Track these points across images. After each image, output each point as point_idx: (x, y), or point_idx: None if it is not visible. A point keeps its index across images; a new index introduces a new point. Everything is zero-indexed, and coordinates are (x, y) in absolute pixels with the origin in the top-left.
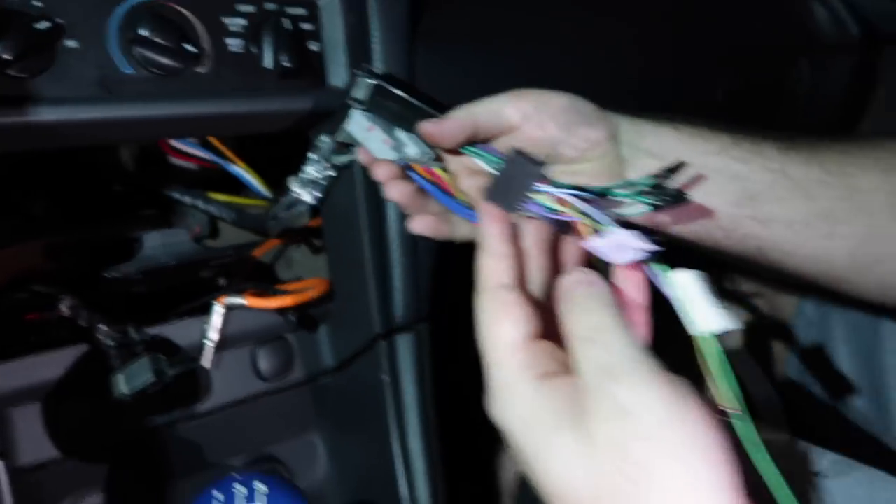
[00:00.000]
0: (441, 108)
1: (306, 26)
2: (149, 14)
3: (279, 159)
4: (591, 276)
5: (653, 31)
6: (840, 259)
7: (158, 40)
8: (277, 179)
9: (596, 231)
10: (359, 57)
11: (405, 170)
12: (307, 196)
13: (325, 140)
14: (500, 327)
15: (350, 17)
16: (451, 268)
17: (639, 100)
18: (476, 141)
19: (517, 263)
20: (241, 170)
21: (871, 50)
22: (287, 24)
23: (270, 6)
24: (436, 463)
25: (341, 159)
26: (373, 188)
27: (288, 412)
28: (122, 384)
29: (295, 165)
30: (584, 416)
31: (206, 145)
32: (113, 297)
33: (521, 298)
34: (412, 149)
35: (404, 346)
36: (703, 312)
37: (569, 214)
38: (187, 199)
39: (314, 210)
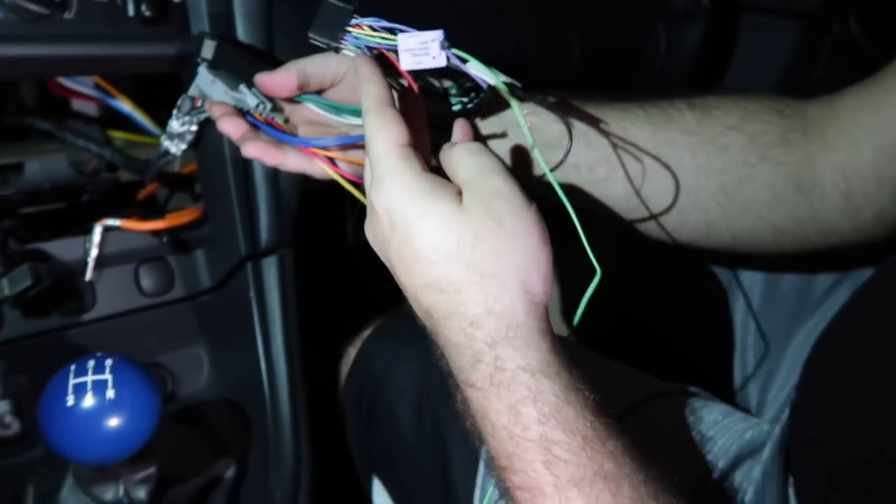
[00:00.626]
0: (276, 63)
1: None
2: None
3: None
4: None
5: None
6: (618, 197)
7: None
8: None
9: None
10: (218, 6)
11: (245, 114)
12: (174, 148)
13: (184, 98)
14: (388, 131)
15: None
16: (312, 201)
17: (495, 61)
18: (307, 91)
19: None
20: (127, 107)
21: (726, 16)
22: None
23: None
24: (295, 368)
25: (200, 115)
26: None
27: (174, 327)
28: (5, 287)
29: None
30: (457, 198)
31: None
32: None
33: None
34: (252, 99)
35: (269, 268)
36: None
37: (379, 43)
38: (80, 142)
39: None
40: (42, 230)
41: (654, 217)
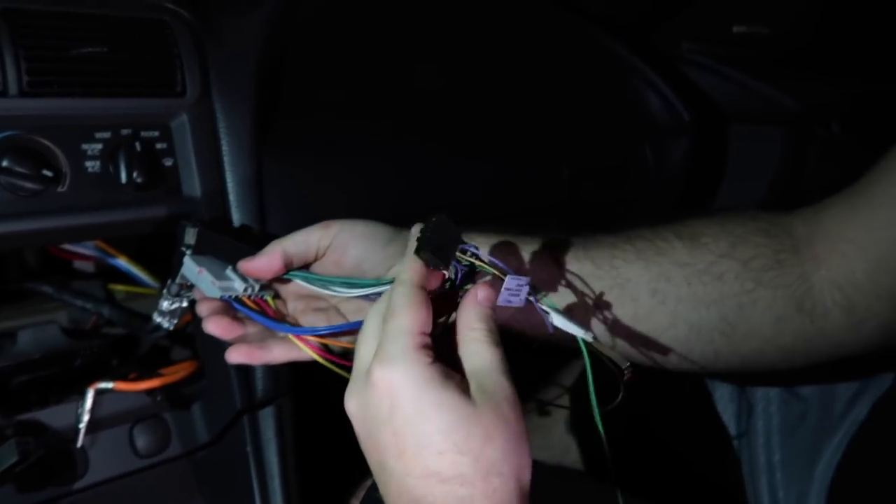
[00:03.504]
0: (260, 243)
1: (160, 146)
2: (12, 147)
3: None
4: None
5: (497, 119)
6: (617, 338)
7: (19, 169)
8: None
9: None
10: (209, 168)
11: (232, 303)
12: (166, 324)
13: (170, 284)
14: (415, 314)
15: (199, 136)
16: None
17: (486, 185)
18: (292, 268)
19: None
20: (126, 264)
21: (710, 128)
22: (140, 145)
23: (125, 132)
24: None
25: (189, 295)
26: None
27: (170, 486)
28: None
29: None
30: (467, 391)
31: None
32: None
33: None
34: (239, 283)
35: (266, 419)
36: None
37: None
38: (79, 302)
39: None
40: (33, 397)
41: (656, 354)
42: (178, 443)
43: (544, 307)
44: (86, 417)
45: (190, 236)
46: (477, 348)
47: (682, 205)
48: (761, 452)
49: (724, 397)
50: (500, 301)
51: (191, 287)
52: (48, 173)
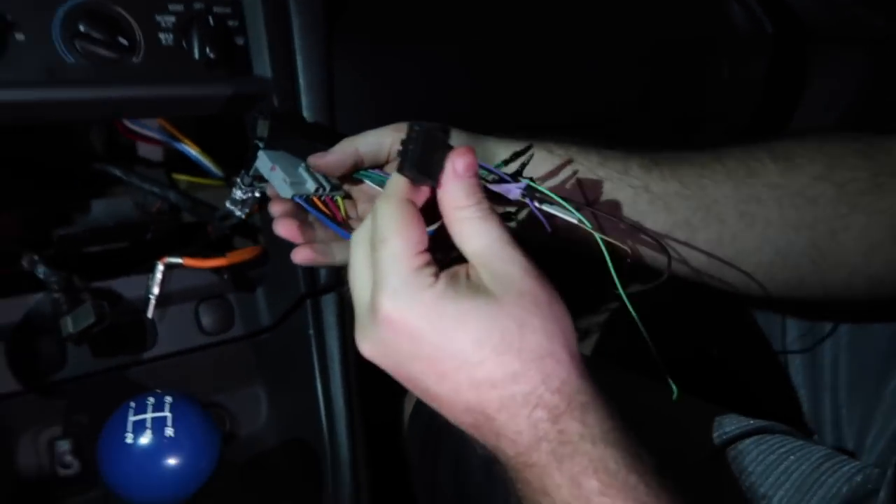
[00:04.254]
0: (331, 139)
1: (231, 23)
2: (88, 12)
3: (236, 144)
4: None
5: (568, 32)
6: (698, 261)
7: (96, 35)
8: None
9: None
10: (281, 49)
11: (303, 203)
12: (238, 212)
13: (245, 175)
14: (406, 232)
15: (271, 15)
16: None
17: (558, 96)
18: (360, 168)
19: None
20: (190, 149)
21: (792, 44)
22: (213, 20)
23: (198, 5)
24: (354, 406)
25: (262, 186)
26: None
27: (232, 366)
28: (69, 325)
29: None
30: (481, 287)
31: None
32: (66, 256)
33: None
34: (311, 183)
35: (328, 306)
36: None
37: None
38: (145, 185)
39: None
40: (106, 268)
41: (737, 280)
42: (242, 324)
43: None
44: (155, 290)
45: (262, 128)
46: (472, 229)
47: (753, 127)
48: (827, 371)
49: (792, 314)
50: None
51: (263, 178)
52: (124, 42)
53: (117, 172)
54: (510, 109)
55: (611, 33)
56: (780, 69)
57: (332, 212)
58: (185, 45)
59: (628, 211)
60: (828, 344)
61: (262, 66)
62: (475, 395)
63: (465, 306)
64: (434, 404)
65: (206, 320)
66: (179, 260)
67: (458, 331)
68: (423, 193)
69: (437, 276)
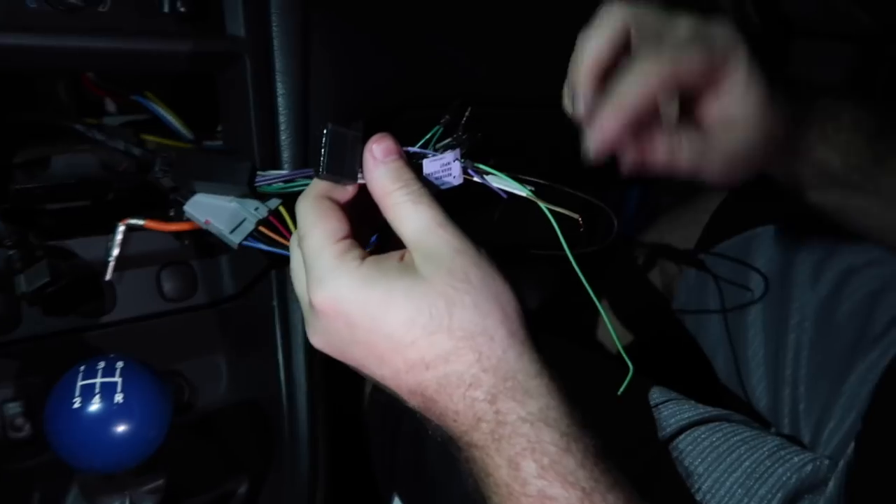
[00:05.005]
0: (234, 168)
1: None
2: None
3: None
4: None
5: (547, 13)
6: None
7: None
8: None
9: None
10: (255, 8)
11: (253, 242)
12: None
13: None
14: (322, 224)
15: None
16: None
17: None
18: None
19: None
20: (160, 109)
21: (777, 38)
22: None
23: None
24: (315, 381)
25: None
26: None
27: (194, 334)
28: (24, 283)
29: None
30: (411, 268)
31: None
32: (23, 212)
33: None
34: (250, 217)
35: None
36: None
37: None
38: (110, 142)
39: None
40: (65, 227)
41: None
42: (205, 291)
43: (482, 172)
44: (115, 251)
45: (167, 181)
46: (402, 213)
47: None
48: (788, 364)
49: (756, 306)
50: (437, 186)
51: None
52: None
53: (79, 128)
54: (484, 82)
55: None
56: (766, 61)
57: (280, 232)
58: None
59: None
60: (791, 339)
61: (236, 24)
62: (413, 377)
63: (392, 286)
64: (382, 385)
65: (168, 286)
66: (141, 222)
67: (386, 312)
68: (348, 192)
69: (362, 259)
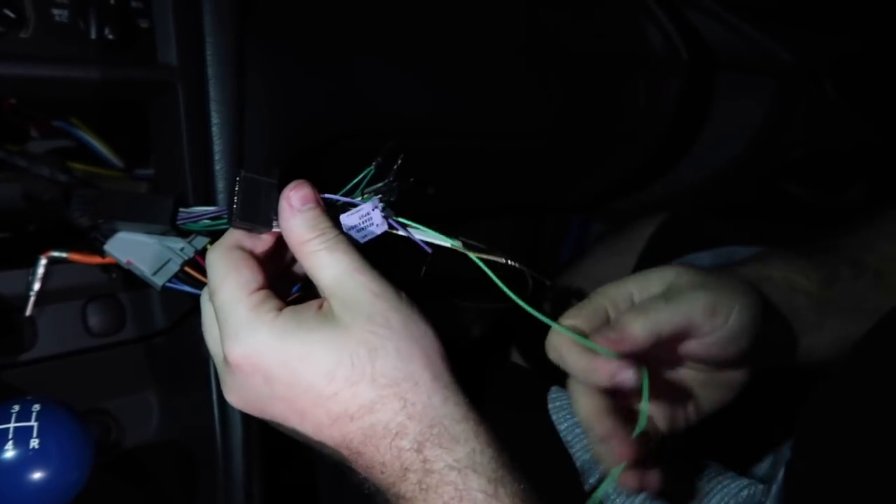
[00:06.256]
0: (157, 205)
1: (135, 3)
2: None
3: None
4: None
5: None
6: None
7: None
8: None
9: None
10: (188, 36)
11: (178, 283)
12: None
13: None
14: (234, 276)
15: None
16: None
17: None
18: None
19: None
20: (86, 136)
21: (703, 72)
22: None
23: None
24: (251, 417)
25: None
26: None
27: (122, 370)
28: None
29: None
30: (330, 317)
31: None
32: None
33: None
34: (175, 258)
35: None
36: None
37: None
38: (35, 168)
39: None
40: None
41: None
42: (133, 325)
43: (406, 225)
44: (36, 286)
45: (85, 220)
46: (319, 261)
47: (662, 149)
48: None
49: None
50: (360, 238)
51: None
52: (11, 14)
53: (1, 154)
54: (420, 118)
55: (529, 49)
56: (693, 94)
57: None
58: (81, 23)
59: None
60: None
61: (168, 52)
62: (337, 430)
63: (311, 338)
64: (311, 441)
65: (94, 321)
66: (65, 254)
67: (306, 364)
68: (264, 241)
69: (279, 310)
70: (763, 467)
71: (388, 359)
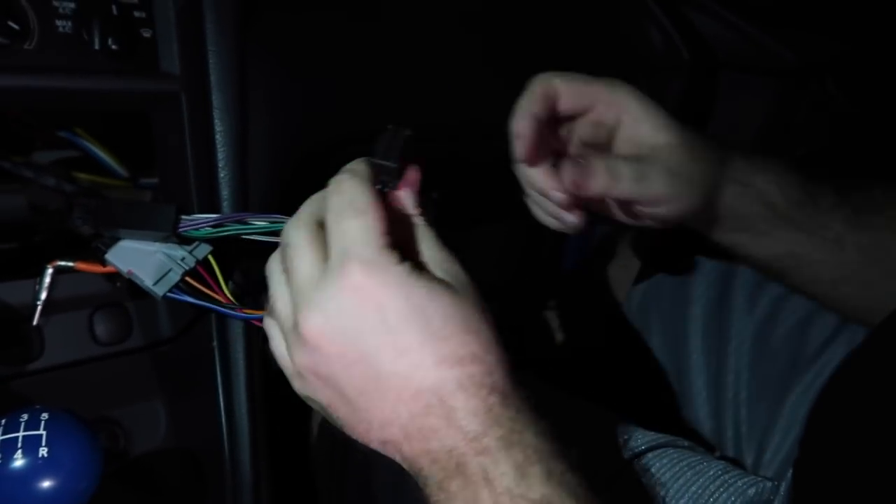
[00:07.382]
0: (153, 213)
1: (137, 14)
2: None
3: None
4: None
5: (493, 39)
6: (863, 302)
7: None
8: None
9: None
10: (190, 45)
11: (178, 294)
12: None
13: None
14: (377, 211)
15: (182, 6)
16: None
17: (473, 109)
18: None
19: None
20: (91, 146)
21: (705, 72)
22: (117, 10)
23: None
24: (258, 424)
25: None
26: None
27: (129, 379)
28: None
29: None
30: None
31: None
32: None
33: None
34: (175, 268)
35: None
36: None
37: None
38: (41, 179)
39: None
40: None
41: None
42: (140, 334)
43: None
44: (43, 295)
45: (85, 230)
46: (422, 234)
47: None
48: (730, 388)
49: (697, 332)
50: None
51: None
52: (14, 26)
53: (6, 165)
54: (424, 123)
55: (529, 51)
56: (694, 93)
57: (208, 283)
58: (84, 34)
59: (807, 259)
60: (731, 363)
61: (171, 61)
62: (436, 373)
63: (434, 285)
64: (369, 398)
65: (101, 329)
66: (71, 264)
67: (427, 306)
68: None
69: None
70: (772, 464)
71: (489, 329)
